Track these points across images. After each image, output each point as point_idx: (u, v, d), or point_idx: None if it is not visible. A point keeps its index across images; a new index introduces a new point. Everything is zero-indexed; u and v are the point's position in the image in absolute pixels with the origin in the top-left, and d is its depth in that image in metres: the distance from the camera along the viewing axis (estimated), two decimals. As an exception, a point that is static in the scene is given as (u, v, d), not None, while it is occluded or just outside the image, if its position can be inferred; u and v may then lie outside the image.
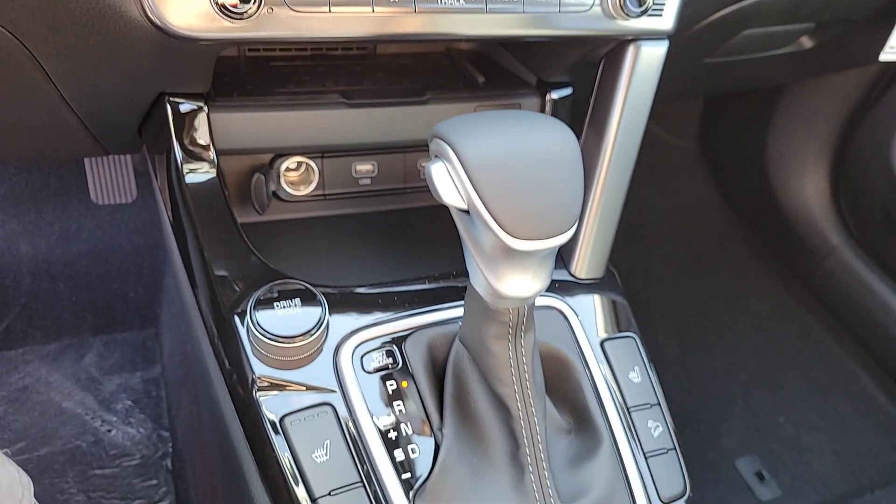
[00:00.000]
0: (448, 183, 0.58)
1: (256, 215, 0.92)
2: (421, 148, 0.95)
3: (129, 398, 1.48)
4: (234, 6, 0.60)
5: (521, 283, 0.60)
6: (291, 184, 0.91)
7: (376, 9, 0.66)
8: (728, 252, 2.02)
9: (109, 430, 1.44)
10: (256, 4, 0.61)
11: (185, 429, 1.37)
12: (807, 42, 1.09)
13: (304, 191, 0.91)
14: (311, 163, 0.91)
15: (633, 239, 1.99)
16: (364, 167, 0.94)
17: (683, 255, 2.00)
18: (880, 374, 1.77)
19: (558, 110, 0.93)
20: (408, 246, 0.95)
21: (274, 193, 0.91)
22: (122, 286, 1.58)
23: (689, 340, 1.82)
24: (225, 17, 0.60)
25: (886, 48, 0.98)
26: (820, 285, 1.87)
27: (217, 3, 0.60)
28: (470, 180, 0.56)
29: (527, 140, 0.58)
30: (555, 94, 0.93)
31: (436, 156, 0.60)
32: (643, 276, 1.93)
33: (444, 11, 0.67)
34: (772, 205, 1.91)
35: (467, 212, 0.59)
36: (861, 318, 1.78)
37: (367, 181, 0.95)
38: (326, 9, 0.64)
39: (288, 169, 0.91)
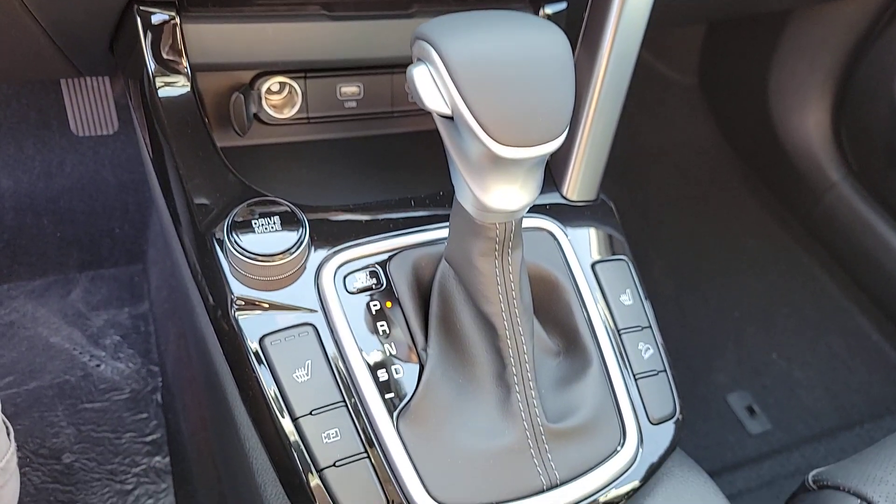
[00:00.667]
0: (431, 86, 0.55)
1: (237, 139, 0.89)
2: (407, 63, 0.91)
3: (118, 333, 1.47)
4: None
5: (508, 195, 0.57)
6: (274, 106, 0.88)
7: None
8: (725, 190, 1.99)
9: (98, 365, 1.43)
10: None
11: (173, 363, 1.37)
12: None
13: (287, 114, 0.88)
14: (294, 84, 0.87)
15: (629, 177, 1.96)
16: (349, 89, 0.91)
17: (679, 194, 1.98)
18: (874, 312, 1.77)
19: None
20: (394, 172, 0.92)
21: (256, 116, 0.87)
22: (107, 222, 1.56)
23: (684, 278, 1.80)
24: None
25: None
26: (817, 222, 1.85)
27: None
28: (454, 83, 0.53)
29: (515, 41, 0.54)
30: (548, 9, 0.89)
31: (418, 58, 0.56)
32: (638, 214, 1.90)
33: None
34: (771, 140, 1.88)
35: (451, 118, 0.55)
36: (858, 255, 1.77)
37: (353, 104, 0.92)
38: None
39: (270, 91, 0.87)
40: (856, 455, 0.87)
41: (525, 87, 0.53)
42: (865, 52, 1.64)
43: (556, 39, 0.55)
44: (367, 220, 0.74)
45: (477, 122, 0.53)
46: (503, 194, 0.57)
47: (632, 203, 1.93)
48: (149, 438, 1.37)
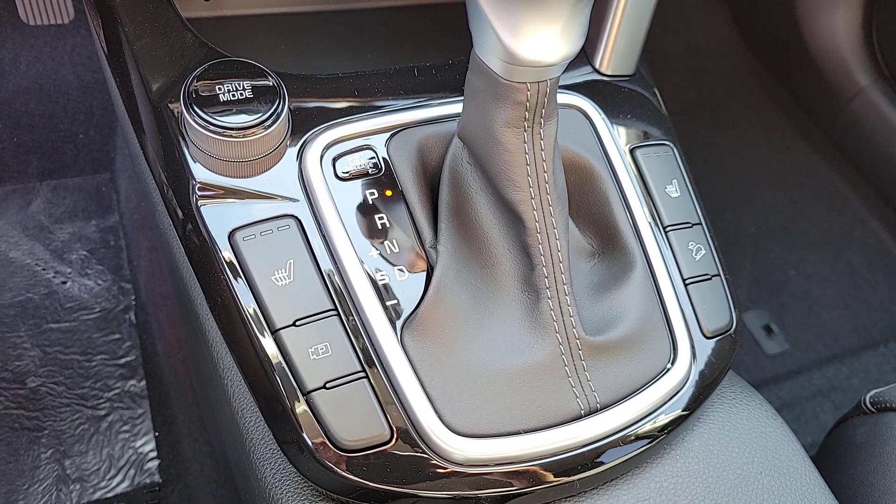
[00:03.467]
0: None
1: (203, 7, 0.74)
2: None
3: (85, 248, 1.35)
4: None
5: (546, 41, 0.44)
6: None
7: None
8: (743, 97, 1.87)
9: (64, 282, 1.32)
10: None
11: (147, 279, 1.26)
12: None
13: None
14: None
15: (641, 81, 1.83)
16: None
17: (695, 100, 1.86)
18: (898, 227, 1.69)
19: None
20: (389, 50, 0.78)
21: (225, -22, 0.73)
22: (70, 126, 1.41)
23: (698, 190, 1.70)
24: None
25: None
26: (841, 132, 1.74)
27: None
28: None
29: None
30: None
31: None
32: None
33: None
34: (795, 42, 1.74)
35: None
36: (884, 165, 1.68)
37: None
38: None
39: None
40: None
41: None
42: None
43: None
44: (361, 91, 0.61)
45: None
46: (540, 39, 0.44)
47: (643, 110, 1.81)
48: (122, 361, 1.27)
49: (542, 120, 0.50)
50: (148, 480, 1.20)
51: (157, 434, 1.22)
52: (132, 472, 1.20)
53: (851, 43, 1.69)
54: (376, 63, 0.77)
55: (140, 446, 1.21)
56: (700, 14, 1.93)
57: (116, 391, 1.25)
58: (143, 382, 1.26)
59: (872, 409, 0.75)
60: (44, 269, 1.32)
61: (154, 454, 1.21)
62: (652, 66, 1.97)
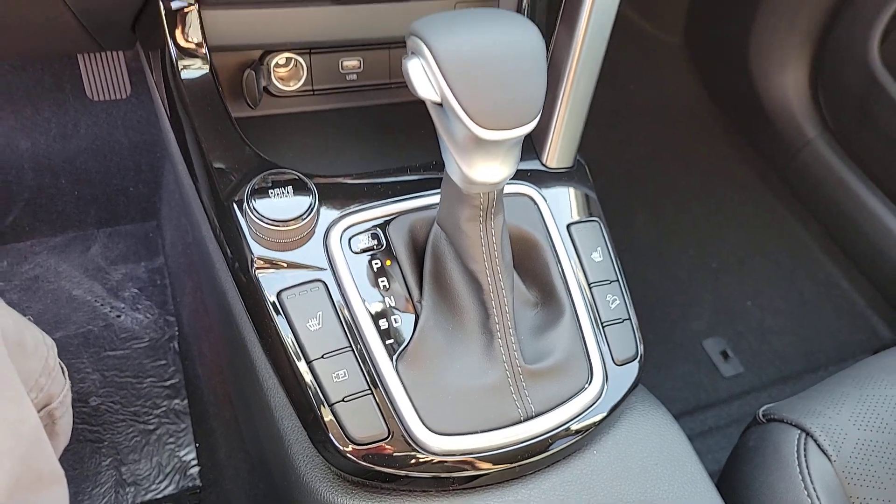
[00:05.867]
0: (423, 78, 0.63)
1: (249, 110, 0.97)
2: (404, 44, 0.99)
3: (136, 286, 1.56)
4: None
5: (490, 170, 0.66)
6: (281, 79, 0.95)
7: None
8: (707, 145, 2.07)
9: (118, 316, 1.53)
10: None
11: (189, 313, 1.47)
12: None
13: (294, 86, 0.95)
14: (300, 59, 0.95)
15: (616, 131, 2.04)
16: (351, 63, 0.98)
17: (664, 148, 2.06)
18: (845, 262, 1.87)
19: (535, 4, 0.97)
20: (391, 138, 1.00)
21: (265, 89, 0.95)
22: (122, 181, 1.64)
23: (665, 229, 1.90)
24: None
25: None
26: (794, 176, 1.94)
27: None
28: (443, 75, 0.61)
29: (494, 38, 0.63)
30: (532, -10, 0.96)
31: (412, 52, 0.65)
32: (623, 168, 1.99)
33: None
34: (752, 98, 1.95)
35: (441, 105, 0.64)
36: (831, 208, 1.86)
37: (354, 77, 1.00)
38: None
39: (277, 65, 0.94)
40: (801, 392, 0.98)
41: (503, 79, 0.62)
42: (840, 15, 1.71)
43: (531, 36, 0.64)
44: (368, 188, 0.83)
45: (462, 109, 0.62)
46: (486, 170, 0.66)
47: (617, 157, 2.01)
48: (168, 383, 1.47)
49: (492, 215, 0.72)
50: (190, 484, 1.37)
51: (197, 445, 1.40)
52: (177, 477, 1.38)
53: (800, 100, 1.90)
54: (382, 149, 0.99)
55: (183, 455, 1.39)
56: (669, 71, 2.14)
57: (163, 409, 1.44)
58: (186, 401, 1.45)
59: (764, 420, 0.96)
60: (101, 305, 1.53)
61: (195, 462, 1.39)
62: (626, 117, 2.21)
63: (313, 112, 1.01)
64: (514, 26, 0.64)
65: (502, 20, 0.64)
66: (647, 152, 2.04)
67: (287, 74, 0.96)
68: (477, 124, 0.62)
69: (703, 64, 2.12)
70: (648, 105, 2.09)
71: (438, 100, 0.64)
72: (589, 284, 0.84)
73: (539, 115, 0.64)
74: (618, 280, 0.86)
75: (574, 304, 0.81)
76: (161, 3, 0.81)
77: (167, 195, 1.61)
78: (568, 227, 0.86)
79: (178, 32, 0.83)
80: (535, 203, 0.86)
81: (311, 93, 0.99)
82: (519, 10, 0.97)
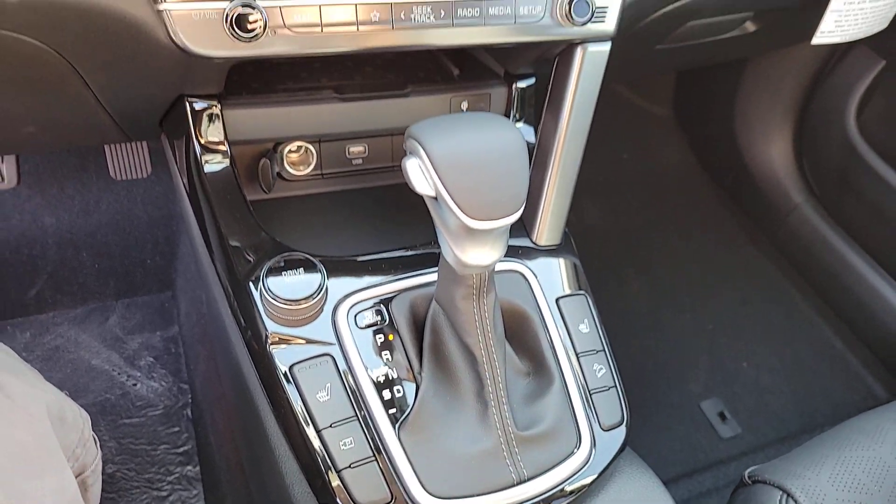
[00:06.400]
0: (420, 176, 0.71)
1: (263, 193, 1.06)
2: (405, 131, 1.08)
3: (151, 355, 1.63)
4: (246, 33, 0.73)
5: (481, 255, 0.74)
6: (293, 164, 1.03)
7: (360, 27, 0.78)
8: (700, 211, 2.15)
9: (135, 384, 1.59)
10: (263, 29, 0.74)
11: (202, 381, 1.52)
12: (750, 27, 1.21)
13: (304, 171, 1.03)
14: (310, 146, 1.02)
15: (611, 199, 2.13)
16: (356, 149, 1.07)
17: (658, 214, 2.13)
18: (838, 323, 1.92)
19: (524, 96, 1.07)
20: (395, 217, 1.07)
21: (278, 174, 1.03)
22: (140, 254, 1.72)
23: (661, 293, 1.97)
24: (237, 40, 0.73)
25: (817, 33, 1.10)
26: (784, 240, 2.01)
27: (232, 32, 0.72)
28: (437, 174, 0.69)
29: (482, 140, 0.71)
30: (520, 84, 1.05)
31: (410, 152, 0.73)
32: (619, 233, 2.07)
33: (418, 27, 0.80)
34: (740, 166, 2.04)
35: (436, 198, 0.72)
36: (820, 270, 1.92)
37: (360, 161, 1.07)
38: (319, 29, 0.77)
39: (290, 151, 1.02)
40: (785, 454, 1.03)
41: (490, 176, 0.70)
42: (818, 89, 1.81)
43: (514, 138, 0.72)
44: (372, 267, 0.91)
45: (455, 202, 0.69)
46: (477, 254, 0.74)
47: (613, 223, 2.10)
48: (181, 449, 1.52)
49: (484, 293, 0.79)
50: (202, 548, 1.44)
51: (209, 511, 1.47)
52: (189, 542, 1.44)
53: (785, 167, 1.99)
54: (386, 228, 1.07)
55: (196, 521, 1.46)
56: (660, 141, 2.23)
57: (176, 475, 1.48)
58: (198, 468, 1.49)
59: (749, 482, 1.01)
60: (119, 374, 1.58)
61: (207, 527, 1.46)
62: (621, 185, 2.29)
63: (322, 194, 1.09)
64: (499, 130, 0.72)
65: (489, 124, 0.73)
66: (641, 218, 2.12)
67: (298, 159, 1.04)
68: (468, 216, 0.69)
69: (692, 134, 2.21)
70: (641, 173, 2.18)
71: (434, 194, 0.71)
72: (577, 354, 0.90)
73: (523, 207, 0.72)
74: (604, 350, 0.92)
75: (563, 373, 0.88)
76: (188, 105, 0.91)
77: (182, 267, 1.69)
78: (557, 300, 0.93)
79: (201, 130, 0.92)
80: (526, 279, 0.93)
81: (321, 176, 1.07)
82: (508, 104, 1.06)
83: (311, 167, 1.04)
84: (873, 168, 1.70)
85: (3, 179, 1.50)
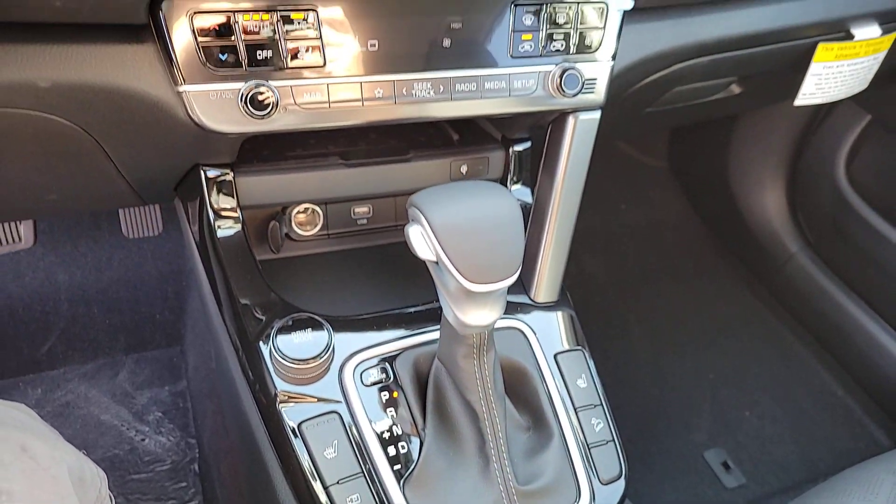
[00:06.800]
0: (422, 242, 0.76)
1: (272, 253, 1.10)
2: (408, 193, 1.13)
3: (160, 410, 1.65)
4: (259, 111, 0.78)
5: (480, 315, 0.77)
6: (300, 225, 1.07)
7: (365, 103, 0.84)
8: (698, 261, 2.18)
9: (143, 439, 1.61)
10: (275, 107, 0.79)
11: (210, 436, 1.54)
12: (736, 89, 1.27)
13: (311, 231, 1.07)
14: (317, 208, 1.07)
15: (610, 250, 2.17)
16: (361, 209, 1.11)
17: (657, 265, 2.17)
18: (838, 370, 1.93)
19: (521, 159, 1.12)
20: (398, 274, 1.11)
21: (286, 234, 1.08)
22: (149, 309, 1.76)
23: (662, 343, 1.99)
24: (251, 117, 0.79)
25: (800, 95, 1.16)
26: (781, 289, 2.04)
27: (247, 110, 0.78)
28: (437, 241, 0.73)
29: (480, 208, 0.75)
30: (517, 147, 1.11)
31: (412, 220, 0.78)
32: (618, 284, 2.10)
33: (418, 101, 0.85)
34: (736, 216, 2.08)
35: (437, 263, 0.76)
36: (818, 318, 1.94)
37: (364, 221, 1.12)
38: (327, 105, 0.82)
39: (298, 213, 1.07)
40: None
41: (488, 242, 0.74)
42: (808, 141, 1.87)
43: (510, 206, 0.76)
44: (377, 325, 0.94)
45: (454, 267, 0.73)
46: (476, 315, 0.77)
47: (612, 274, 2.13)
48: (188, 504, 1.54)
49: (484, 351, 0.82)
50: None
51: (215, 567, 1.48)
52: None
53: (780, 217, 2.03)
54: (390, 286, 1.11)
55: (202, 576, 1.47)
56: (657, 193, 2.28)
57: None
58: None
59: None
60: (127, 429, 1.60)
61: (213, 583, 1.46)
62: (619, 236, 2.34)
63: (329, 253, 1.14)
64: (495, 198, 0.76)
65: (486, 193, 0.77)
66: (640, 269, 2.16)
67: (305, 220, 1.09)
68: (467, 279, 0.73)
69: (688, 185, 2.26)
70: (639, 224, 2.22)
71: (435, 259, 0.76)
72: (575, 409, 0.93)
73: (519, 270, 0.76)
74: (601, 404, 0.95)
75: (562, 428, 0.90)
76: (203, 173, 0.96)
77: (191, 322, 1.72)
78: (555, 356, 0.97)
79: (214, 196, 0.97)
80: (525, 335, 0.97)
81: (327, 236, 1.12)
82: (506, 167, 1.11)
83: (318, 227, 1.08)
84: (864, 218, 1.74)
85: (20, 240, 1.55)
